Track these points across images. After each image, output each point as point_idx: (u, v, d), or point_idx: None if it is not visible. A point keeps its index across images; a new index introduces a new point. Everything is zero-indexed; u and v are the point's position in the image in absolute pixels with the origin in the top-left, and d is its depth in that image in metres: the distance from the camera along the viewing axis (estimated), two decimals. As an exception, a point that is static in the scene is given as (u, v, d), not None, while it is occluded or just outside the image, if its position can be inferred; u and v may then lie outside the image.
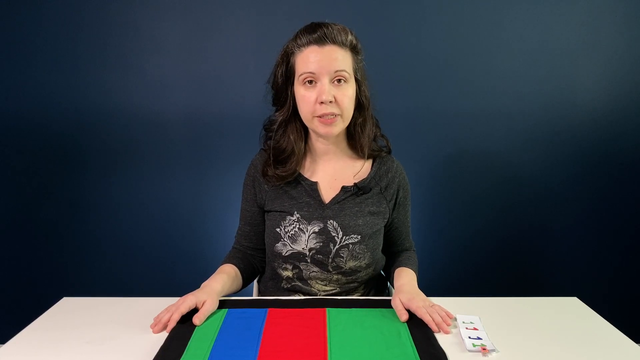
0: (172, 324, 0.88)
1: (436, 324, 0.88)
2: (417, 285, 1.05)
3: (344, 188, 1.09)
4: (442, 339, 0.85)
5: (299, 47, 1.00)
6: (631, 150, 1.86)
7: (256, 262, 1.19)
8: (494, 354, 0.81)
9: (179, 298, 1.01)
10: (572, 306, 1.02)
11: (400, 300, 0.94)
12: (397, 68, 1.79)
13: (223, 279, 1.04)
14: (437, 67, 1.80)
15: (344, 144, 1.12)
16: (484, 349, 0.82)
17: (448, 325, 0.89)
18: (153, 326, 0.89)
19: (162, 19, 1.76)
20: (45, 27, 1.75)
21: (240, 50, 1.78)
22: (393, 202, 1.14)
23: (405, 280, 1.05)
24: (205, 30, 1.77)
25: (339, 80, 0.99)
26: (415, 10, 1.76)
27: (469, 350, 0.82)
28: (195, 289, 0.99)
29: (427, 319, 0.89)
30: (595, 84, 1.81)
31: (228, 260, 1.14)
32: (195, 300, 0.92)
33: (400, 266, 1.13)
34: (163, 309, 0.95)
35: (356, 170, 1.12)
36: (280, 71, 1.04)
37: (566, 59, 1.79)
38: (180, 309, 0.89)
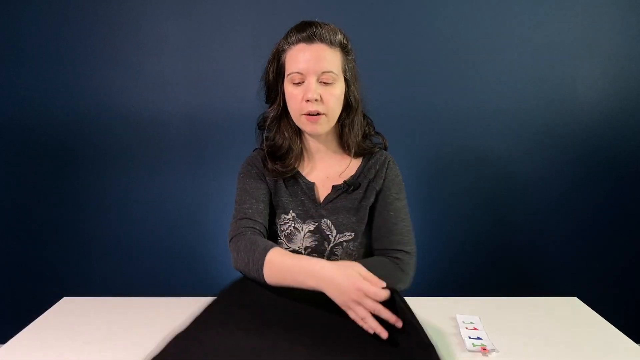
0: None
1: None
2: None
3: (334, 187, 1.09)
4: (441, 340, 0.85)
5: (289, 45, 1.01)
6: (631, 150, 1.86)
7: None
8: (494, 354, 0.81)
9: (176, 297, 1.01)
10: (572, 306, 1.02)
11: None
12: (396, 68, 1.79)
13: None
14: (437, 67, 1.79)
15: (334, 143, 1.12)
16: (484, 349, 0.82)
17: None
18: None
19: (162, 18, 1.76)
20: (44, 26, 1.75)
21: (240, 50, 1.78)
22: (379, 191, 1.08)
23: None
24: (205, 30, 1.77)
25: (326, 81, 0.99)
26: (415, 11, 1.76)
27: (469, 350, 0.82)
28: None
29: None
30: (596, 83, 1.81)
31: (271, 245, 0.92)
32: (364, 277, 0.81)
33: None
34: (163, 309, 0.95)
35: (343, 168, 1.11)
36: (271, 68, 1.06)
37: (566, 59, 1.79)
38: (380, 294, 0.77)
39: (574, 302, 1.04)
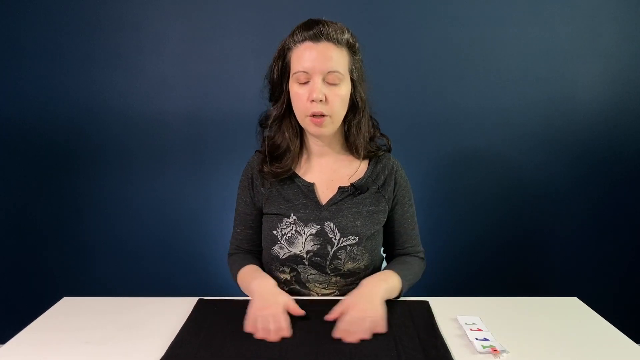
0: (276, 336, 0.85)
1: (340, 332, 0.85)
2: (381, 291, 0.94)
3: (340, 189, 1.07)
4: (451, 343, 0.85)
5: (295, 44, 0.99)
6: (631, 150, 1.86)
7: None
8: (504, 354, 0.81)
9: (176, 298, 1.01)
10: (572, 306, 1.02)
11: (345, 302, 0.91)
12: (398, 68, 1.79)
13: (265, 274, 1.06)
14: (438, 68, 1.79)
15: (339, 145, 1.11)
16: (495, 350, 0.81)
17: (349, 340, 0.83)
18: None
19: (162, 18, 1.76)
20: (44, 26, 1.75)
21: (240, 50, 1.78)
22: (392, 200, 1.12)
23: (372, 281, 0.98)
24: (205, 30, 1.77)
25: (332, 82, 0.97)
26: (416, 11, 1.76)
27: (480, 352, 0.81)
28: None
29: (338, 329, 0.85)
30: (596, 83, 1.81)
31: (246, 262, 1.11)
32: (282, 308, 0.91)
33: (387, 268, 1.07)
34: (163, 309, 0.95)
35: (352, 170, 1.10)
36: (276, 66, 1.04)
37: (566, 59, 1.79)
38: (284, 327, 0.86)
39: (574, 302, 1.03)
